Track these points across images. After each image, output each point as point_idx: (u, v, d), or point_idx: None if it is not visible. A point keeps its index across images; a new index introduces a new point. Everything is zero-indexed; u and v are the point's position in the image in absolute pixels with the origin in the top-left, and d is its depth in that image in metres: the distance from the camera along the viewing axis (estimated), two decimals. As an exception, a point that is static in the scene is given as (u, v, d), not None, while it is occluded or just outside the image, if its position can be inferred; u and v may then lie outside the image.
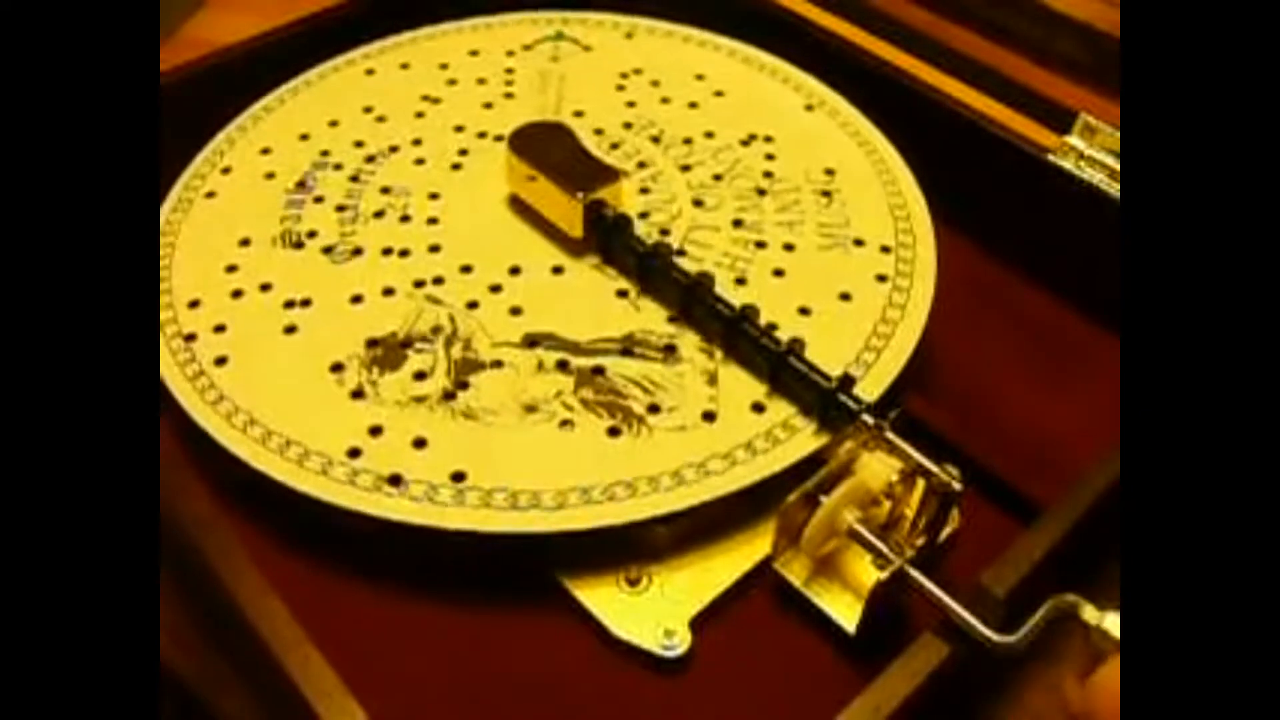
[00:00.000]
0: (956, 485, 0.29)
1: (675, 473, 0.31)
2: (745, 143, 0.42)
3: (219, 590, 0.27)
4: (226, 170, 0.40)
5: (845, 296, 0.36)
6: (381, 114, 0.43)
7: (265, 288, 0.36)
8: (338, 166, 0.41)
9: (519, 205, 0.39)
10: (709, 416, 0.33)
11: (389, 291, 0.36)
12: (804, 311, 0.36)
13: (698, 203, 0.40)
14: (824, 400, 0.32)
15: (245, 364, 0.34)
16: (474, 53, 0.46)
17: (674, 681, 0.30)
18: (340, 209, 0.39)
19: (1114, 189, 0.39)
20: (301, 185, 0.40)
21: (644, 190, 0.40)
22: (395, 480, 0.31)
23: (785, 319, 0.35)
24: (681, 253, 0.38)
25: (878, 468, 0.30)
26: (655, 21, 0.48)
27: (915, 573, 0.28)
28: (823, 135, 0.43)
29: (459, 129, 0.43)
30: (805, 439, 0.32)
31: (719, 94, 0.45)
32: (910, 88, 0.43)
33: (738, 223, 0.39)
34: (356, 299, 0.36)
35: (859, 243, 0.38)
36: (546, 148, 0.38)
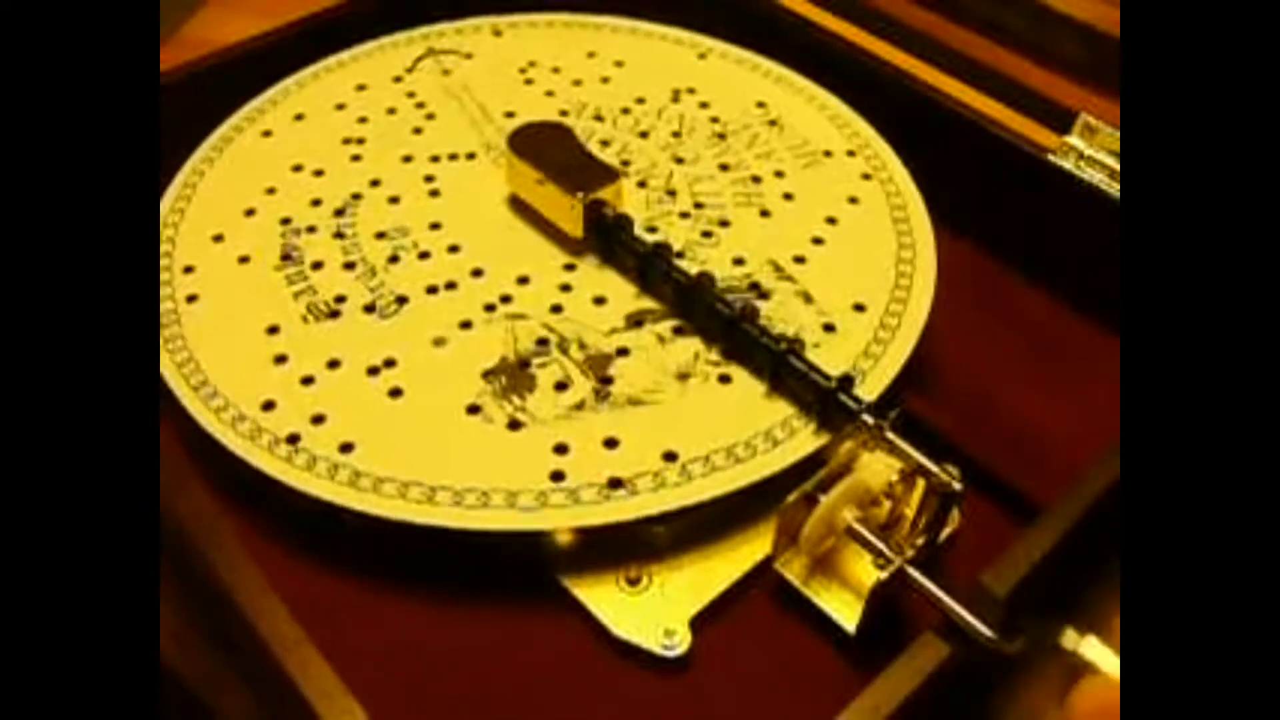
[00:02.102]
0: (956, 485, 0.29)
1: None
2: (675, 99, 0.44)
3: (219, 590, 0.27)
4: (189, 269, 0.37)
5: (853, 200, 0.40)
6: (316, 168, 0.41)
7: (333, 364, 0.34)
8: (311, 229, 0.38)
9: (524, 209, 0.39)
10: (829, 328, 0.35)
11: (466, 324, 0.35)
12: (831, 221, 0.39)
13: (679, 160, 0.42)
14: (824, 400, 0.32)
15: (378, 441, 0.32)
16: (361, 87, 0.44)
17: (674, 681, 0.29)
18: (349, 267, 0.37)
19: (1114, 189, 0.39)
20: (288, 258, 0.37)
21: (625, 163, 0.41)
22: (616, 484, 0.31)
23: (821, 230, 0.39)
24: (700, 205, 0.40)
25: (878, 467, 0.30)
26: (515, 16, 0.48)
27: (915, 573, 0.28)
28: (730, 77, 0.45)
29: (407, 159, 0.41)
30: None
31: (619, 64, 0.46)
32: (910, 88, 0.43)
33: (724, 167, 0.41)
34: (439, 342, 0.35)
35: (828, 154, 0.42)
36: (546, 148, 0.38)
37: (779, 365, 0.33)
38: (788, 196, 0.40)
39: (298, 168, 0.41)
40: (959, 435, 0.34)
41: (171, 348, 0.34)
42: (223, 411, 0.32)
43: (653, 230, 0.39)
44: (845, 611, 0.30)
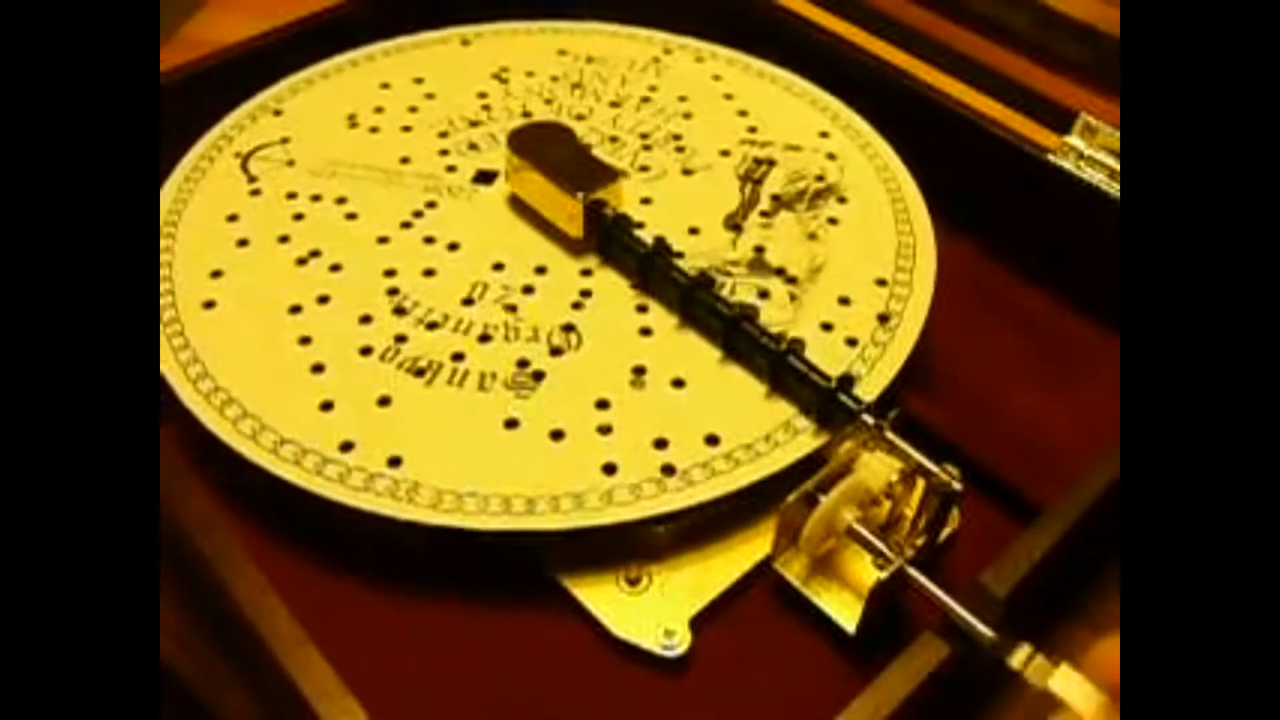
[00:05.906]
0: (956, 485, 0.29)
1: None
2: (503, 80, 0.46)
3: (219, 590, 0.27)
4: (348, 446, 0.32)
5: (717, 77, 0.46)
6: (318, 295, 0.36)
7: (602, 405, 0.33)
8: (401, 339, 0.35)
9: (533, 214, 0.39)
10: (832, 156, 0.42)
11: (642, 308, 0.36)
12: (729, 96, 0.45)
13: (580, 117, 0.44)
14: (824, 400, 0.32)
15: (735, 429, 0.32)
16: (232, 217, 0.39)
17: (674, 681, 0.30)
18: (485, 339, 0.35)
19: (1114, 189, 0.39)
20: (422, 373, 0.34)
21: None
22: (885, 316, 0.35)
23: (734, 105, 0.44)
24: (646, 135, 0.43)
25: (877, 467, 0.30)
26: (275, 88, 0.44)
27: (915, 573, 0.28)
28: (514, 45, 0.48)
29: (383, 239, 0.38)
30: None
31: (419, 80, 0.46)
32: (910, 88, 0.43)
33: (614, 104, 0.45)
34: (645, 331, 0.36)
35: (656, 60, 0.47)
36: (546, 148, 0.38)
37: (779, 365, 0.33)
38: (682, 99, 0.45)
39: (296, 309, 0.36)
40: (959, 435, 0.34)
41: (413, 486, 0.31)
42: (575, 508, 0.31)
43: (645, 169, 0.41)
44: (845, 611, 0.30)
